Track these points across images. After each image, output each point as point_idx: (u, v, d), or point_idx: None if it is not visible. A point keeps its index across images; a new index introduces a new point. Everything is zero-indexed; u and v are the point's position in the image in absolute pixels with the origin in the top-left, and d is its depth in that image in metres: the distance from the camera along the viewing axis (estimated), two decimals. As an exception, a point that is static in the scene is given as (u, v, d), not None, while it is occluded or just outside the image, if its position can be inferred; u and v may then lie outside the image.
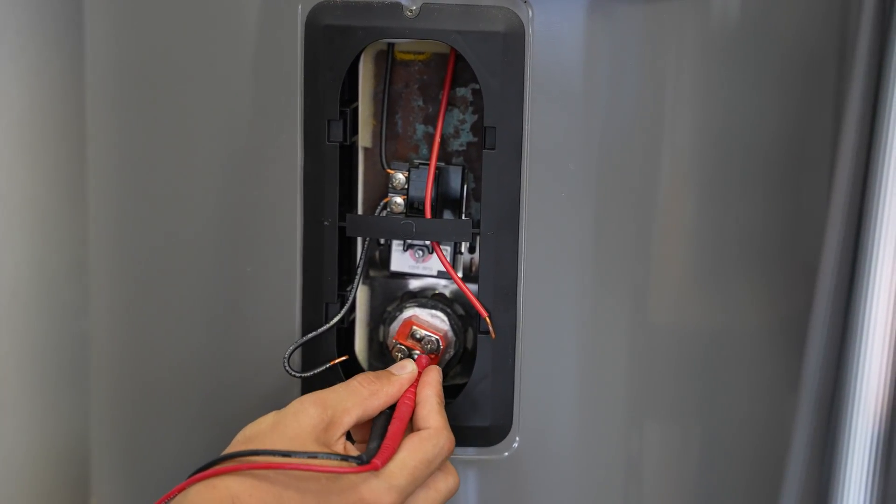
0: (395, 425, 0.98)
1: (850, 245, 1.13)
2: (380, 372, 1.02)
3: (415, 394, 1.02)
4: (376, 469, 0.94)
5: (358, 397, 0.99)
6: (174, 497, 0.94)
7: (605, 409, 1.08)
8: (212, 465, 0.94)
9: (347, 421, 0.98)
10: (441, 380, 1.03)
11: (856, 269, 1.12)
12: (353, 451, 0.98)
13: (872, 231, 1.11)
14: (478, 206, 1.06)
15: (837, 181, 1.11)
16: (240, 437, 0.97)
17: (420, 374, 1.03)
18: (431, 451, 0.98)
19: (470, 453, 1.07)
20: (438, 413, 1.00)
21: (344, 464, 0.94)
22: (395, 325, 1.08)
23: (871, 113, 1.12)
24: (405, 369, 1.02)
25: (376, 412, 1.00)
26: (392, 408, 1.00)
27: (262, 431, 0.96)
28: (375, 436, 0.98)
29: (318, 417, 0.96)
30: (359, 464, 0.94)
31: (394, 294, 1.12)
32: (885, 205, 1.11)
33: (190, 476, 0.94)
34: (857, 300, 1.12)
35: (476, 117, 1.08)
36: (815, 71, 1.11)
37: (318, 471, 0.93)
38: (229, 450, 0.96)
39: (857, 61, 1.10)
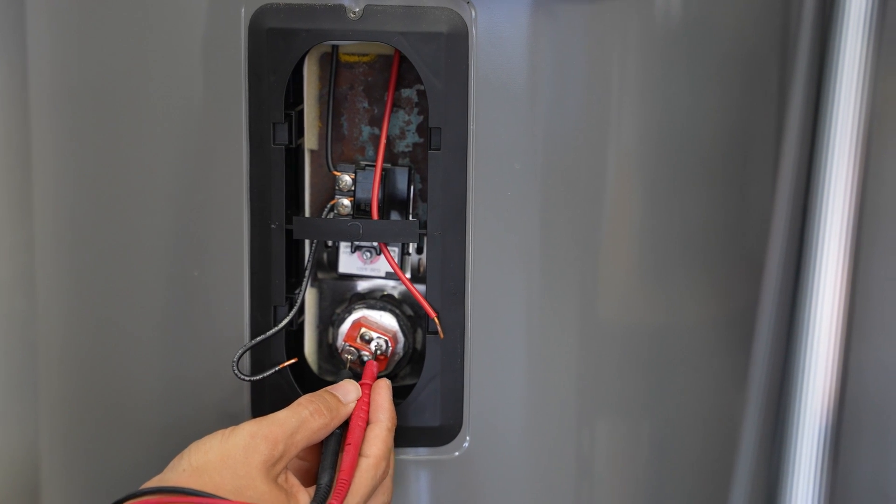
0: (350, 456, 0.98)
1: (796, 240, 1.14)
2: (328, 399, 1.00)
3: (366, 416, 1.01)
4: None
5: (308, 431, 0.98)
6: None
7: (554, 407, 1.09)
8: (160, 492, 0.92)
9: (294, 453, 0.98)
10: (392, 396, 1.03)
11: (801, 264, 1.13)
12: (294, 482, 0.98)
13: (817, 226, 1.12)
14: (424, 206, 1.07)
15: (781, 177, 1.12)
16: (185, 464, 0.95)
17: (370, 386, 1.03)
18: (374, 480, 0.99)
19: (421, 453, 1.08)
20: (384, 440, 1.00)
21: None
22: (345, 327, 1.08)
23: (814, 109, 1.13)
24: (349, 396, 1.01)
25: (319, 441, 1.00)
26: (341, 426, 1.01)
27: (211, 464, 0.95)
28: (327, 465, 0.98)
29: (268, 454, 0.96)
30: None
31: (342, 296, 1.12)
32: (829, 200, 1.12)
33: (132, 496, 0.93)
34: (803, 295, 1.13)
35: (421, 118, 1.08)
36: (758, 68, 1.12)
37: None
38: (172, 472, 0.95)
39: (799, 58, 1.11)
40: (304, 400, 1.00)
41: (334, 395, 1.01)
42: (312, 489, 0.99)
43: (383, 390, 1.03)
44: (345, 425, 1.01)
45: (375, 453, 1.00)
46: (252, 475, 0.95)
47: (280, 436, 0.97)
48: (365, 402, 1.02)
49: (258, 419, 0.98)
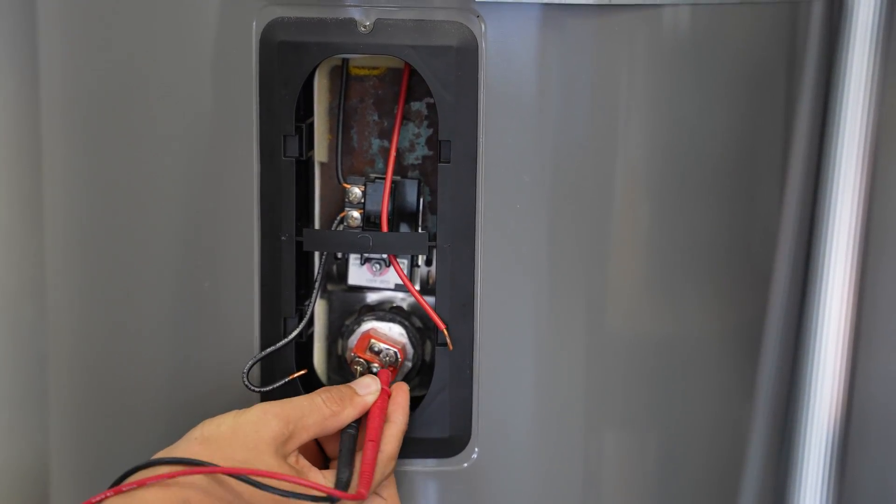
0: (371, 451, 0.99)
1: (803, 252, 1.14)
2: (343, 389, 1.02)
3: (384, 413, 1.02)
4: (363, 498, 0.96)
5: (319, 416, 1.00)
6: (129, 490, 0.93)
7: (562, 418, 1.09)
8: (171, 463, 0.94)
9: (305, 437, 0.99)
10: (409, 401, 1.05)
11: (808, 275, 1.14)
12: (305, 463, 0.99)
13: (824, 238, 1.13)
14: (434, 218, 1.07)
15: (789, 189, 1.12)
16: (196, 433, 0.97)
17: (386, 390, 1.04)
18: (383, 476, 1.01)
19: (429, 465, 1.08)
20: (398, 441, 1.02)
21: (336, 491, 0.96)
22: (354, 339, 1.08)
23: (821, 121, 1.13)
24: (369, 389, 1.03)
25: (333, 432, 1.01)
26: (355, 424, 1.01)
27: (222, 435, 0.97)
28: (345, 462, 0.99)
29: (278, 431, 0.97)
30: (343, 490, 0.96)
31: (352, 307, 1.12)
32: (836, 211, 1.12)
33: (140, 467, 0.94)
34: (811, 306, 1.13)
35: (431, 131, 1.08)
36: (765, 81, 1.12)
37: (311, 487, 0.95)
38: (183, 442, 0.97)
39: (807, 70, 1.11)
40: (321, 389, 1.02)
41: (350, 387, 1.02)
42: (325, 472, 1.00)
43: (404, 392, 1.04)
44: (360, 425, 1.02)
45: (389, 451, 1.01)
46: (261, 448, 0.96)
47: (291, 415, 0.98)
48: (383, 405, 1.02)
49: (272, 401, 1.00)
